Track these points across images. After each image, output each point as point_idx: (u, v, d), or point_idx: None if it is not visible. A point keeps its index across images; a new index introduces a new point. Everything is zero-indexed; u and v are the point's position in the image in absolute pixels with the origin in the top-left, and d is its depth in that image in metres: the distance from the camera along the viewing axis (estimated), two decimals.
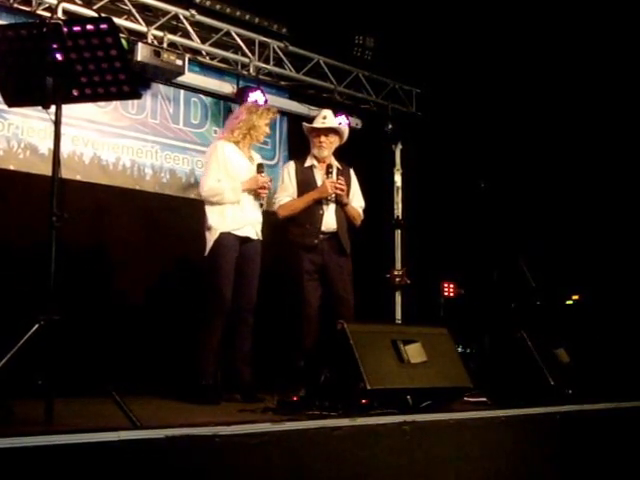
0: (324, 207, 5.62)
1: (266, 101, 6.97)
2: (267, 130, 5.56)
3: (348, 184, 5.76)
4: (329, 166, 5.68)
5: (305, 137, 5.86)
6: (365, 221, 5.91)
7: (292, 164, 5.84)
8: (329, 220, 5.62)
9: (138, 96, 4.19)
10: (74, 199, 5.37)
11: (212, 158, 5.37)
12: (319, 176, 5.70)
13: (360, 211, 5.87)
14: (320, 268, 5.58)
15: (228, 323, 5.23)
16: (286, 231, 5.70)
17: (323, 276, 5.59)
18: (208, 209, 5.30)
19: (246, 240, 5.32)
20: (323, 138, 5.72)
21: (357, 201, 5.86)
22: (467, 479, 3.79)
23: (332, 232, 5.62)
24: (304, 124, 5.92)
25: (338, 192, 5.59)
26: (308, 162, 5.79)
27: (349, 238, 5.74)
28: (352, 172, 5.92)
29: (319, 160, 5.75)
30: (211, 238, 5.23)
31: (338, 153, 5.88)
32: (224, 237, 5.21)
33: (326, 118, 5.78)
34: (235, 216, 5.29)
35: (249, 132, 5.39)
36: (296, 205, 5.64)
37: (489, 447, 3.95)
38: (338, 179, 5.61)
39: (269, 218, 5.71)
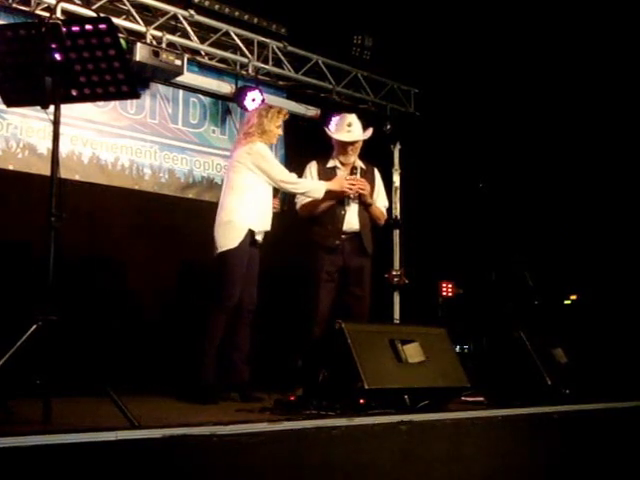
0: (346, 207, 5.55)
1: (263, 100, 6.97)
2: (279, 132, 5.48)
3: (372, 184, 5.72)
4: (353, 168, 5.62)
5: (303, 136, 5.83)
6: (383, 224, 5.88)
7: (314, 164, 5.75)
8: (351, 220, 5.56)
9: (137, 96, 4.18)
10: (73, 199, 5.40)
11: (268, 156, 5.29)
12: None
13: (384, 210, 5.83)
14: (340, 269, 5.54)
15: (230, 322, 5.22)
16: (308, 231, 5.66)
17: (342, 276, 5.56)
18: (236, 203, 5.19)
19: (255, 243, 5.30)
20: (350, 147, 5.66)
21: (381, 200, 5.81)
22: (464, 479, 3.79)
23: (354, 232, 5.57)
24: (331, 134, 5.77)
25: (357, 191, 5.52)
26: (331, 163, 5.72)
27: (372, 238, 5.70)
28: (377, 172, 5.87)
29: (342, 163, 5.71)
30: (236, 234, 5.13)
31: (361, 154, 5.82)
32: (248, 236, 5.16)
33: (351, 126, 5.66)
34: (262, 218, 5.28)
35: (261, 136, 5.32)
36: (317, 204, 5.56)
37: (486, 447, 3.95)
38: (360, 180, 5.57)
39: (285, 217, 5.70)
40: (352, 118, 5.73)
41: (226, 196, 5.29)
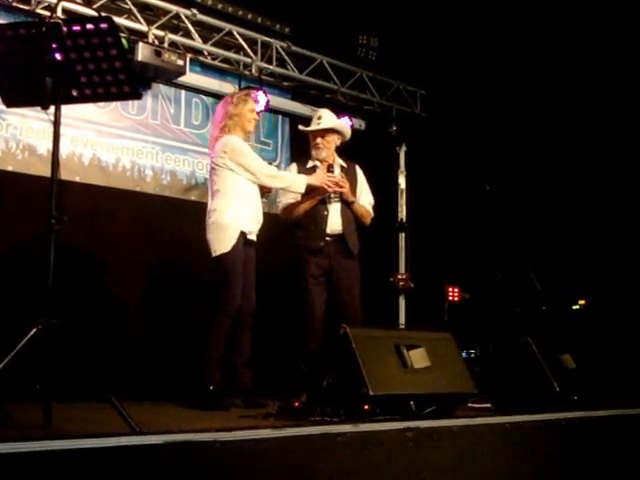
0: (328, 207, 5.54)
1: (268, 101, 6.95)
2: (254, 117, 5.44)
3: (354, 182, 5.69)
4: (330, 166, 5.60)
5: (308, 139, 5.80)
6: (369, 223, 5.83)
7: (294, 166, 5.77)
8: (334, 221, 5.53)
9: (138, 96, 4.16)
10: (73, 201, 5.36)
11: (245, 150, 5.25)
12: None
13: (369, 208, 5.78)
14: (326, 272, 5.51)
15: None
16: (292, 234, 5.64)
17: (329, 279, 5.53)
18: (223, 206, 5.17)
19: (250, 243, 5.27)
20: (319, 139, 5.63)
21: (365, 198, 5.76)
22: None
23: (338, 234, 5.53)
24: (300, 127, 5.83)
25: (336, 190, 5.51)
26: (310, 163, 5.71)
27: (358, 238, 5.66)
28: (358, 169, 5.83)
29: (320, 161, 5.68)
30: (229, 236, 5.10)
31: (342, 152, 5.81)
32: (240, 237, 5.14)
33: (321, 118, 5.67)
34: (252, 217, 5.26)
35: (234, 128, 5.27)
36: (299, 206, 5.55)
37: (493, 453, 3.90)
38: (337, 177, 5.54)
39: (273, 220, 5.67)
40: (323, 112, 5.77)
41: (213, 200, 5.27)
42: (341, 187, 5.50)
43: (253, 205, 5.28)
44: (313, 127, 5.68)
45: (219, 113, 5.38)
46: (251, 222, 5.25)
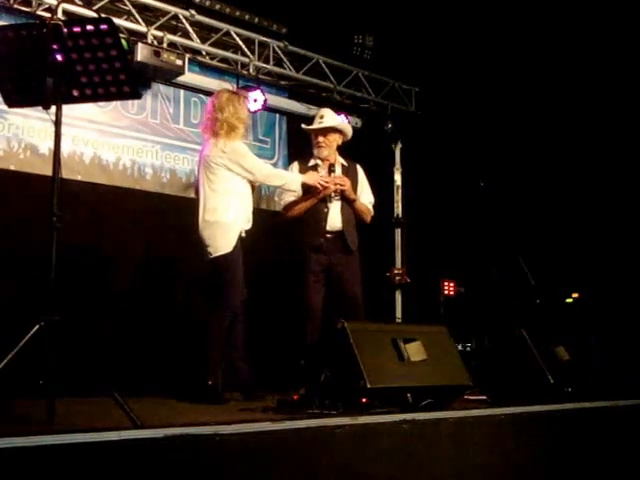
0: (329, 205, 5.57)
1: (265, 100, 6.99)
2: (249, 120, 5.54)
3: (355, 181, 5.73)
4: (331, 164, 5.65)
5: (305, 136, 5.85)
6: (370, 221, 5.86)
7: (296, 164, 5.81)
8: (334, 218, 5.58)
9: (138, 96, 4.19)
10: (74, 199, 5.40)
11: (246, 152, 5.28)
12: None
13: (370, 207, 5.82)
14: (325, 268, 5.55)
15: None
16: (293, 231, 5.69)
17: (329, 276, 5.57)
18: (224, 205, 5.17)
19: (241, 240, 5.30)
20: (321, 138, 5.68)
21: (366, 196, 5.81)
22: (467, 477, 3.79)
23: (337, 231, 5.58)
24: (303, 126, 5.88)
25: (334, 190, 5.54)
26: (311, 162, 5.75)
27: (358, 235, 5.70)
28: (359, 168, 5.87)
29: (322, 159, 5.73)
30: (231, 237, 5.13)
31: (342, 151, 5.86)
32: (239, 236, 5.17)
33: (323, 117, 5.73)
34: (247, 216, 5.29)
35: (237, 128, 5.27)
36: (300, 204, 5.60)
37: (489, 445, 3.94)
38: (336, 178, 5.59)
39: (272, 217, 5.69)
40: (325, 111, 5.83)
41: (209, 198, 5.23)
42: (342, 186, 5.56)
43: (247, 205, 5.31)
44: (315, 126, 5.74)
45: (217, 107, 5.30)
46: (246, 221, 5.29)
